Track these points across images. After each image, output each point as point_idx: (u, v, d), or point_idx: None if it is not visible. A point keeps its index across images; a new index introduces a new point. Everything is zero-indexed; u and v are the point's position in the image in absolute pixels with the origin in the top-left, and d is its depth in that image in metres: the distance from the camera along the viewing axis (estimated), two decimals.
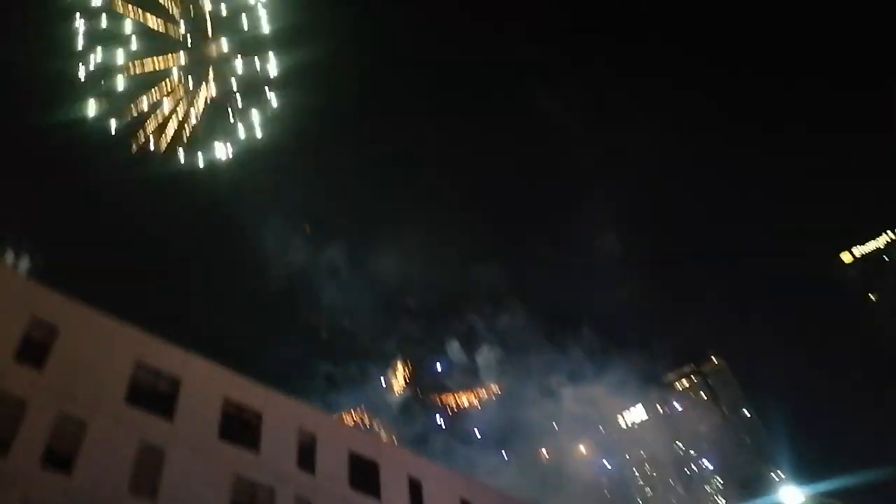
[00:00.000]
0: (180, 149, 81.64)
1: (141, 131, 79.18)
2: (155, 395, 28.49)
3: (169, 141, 79.44)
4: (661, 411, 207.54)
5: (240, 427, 31.07)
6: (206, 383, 30.81)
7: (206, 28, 79.03)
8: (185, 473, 27.02)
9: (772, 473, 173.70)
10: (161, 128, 79.59)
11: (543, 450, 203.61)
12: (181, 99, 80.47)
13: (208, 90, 79.11)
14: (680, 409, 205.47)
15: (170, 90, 79.35)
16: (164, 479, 26.23)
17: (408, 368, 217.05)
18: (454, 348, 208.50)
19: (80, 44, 77.28)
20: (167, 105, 78.54)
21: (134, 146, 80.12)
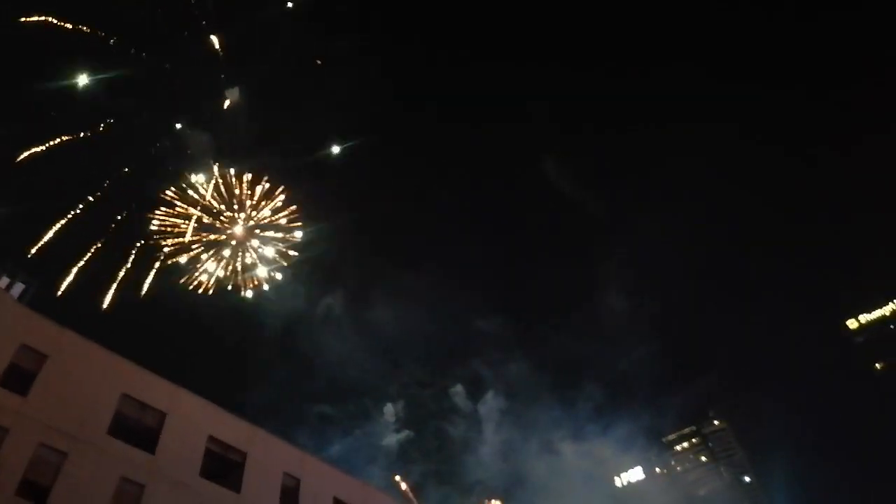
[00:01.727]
0: None
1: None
2: (139, 429, 28.15)
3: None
4: (659, 472, 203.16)
5: (223, 466, 30.56)
6: (192, 419, 30.43)
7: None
8: None
9: None
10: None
11: None
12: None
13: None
14: (679, 470, 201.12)
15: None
16: None
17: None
18: (458, 392, 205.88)
19: None
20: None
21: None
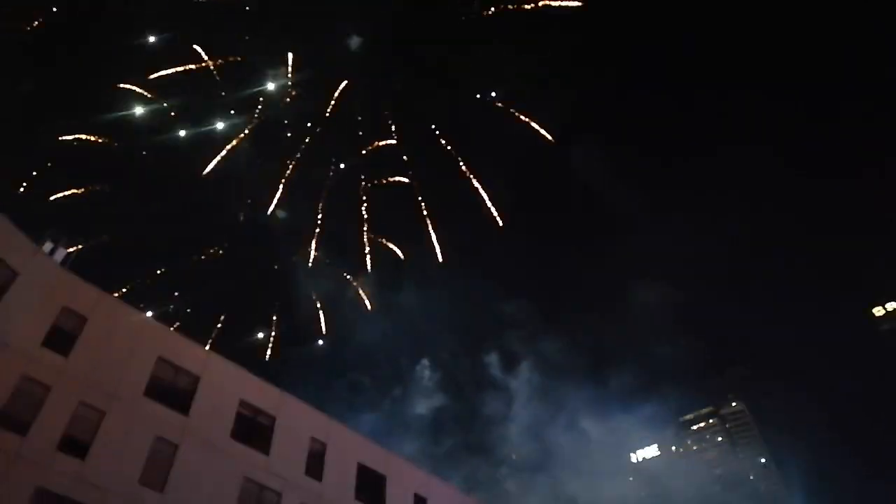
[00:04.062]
0: None
1: None
2: (173, 391, 29.04)
3: None
4: (675, 450, 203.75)
5: (253, 428, 31.46)
6: (224, 383, 31.30)
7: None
8: (195, 469, 27.44)
9: None
10: None
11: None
12: None
13: None
14: (695, 449, 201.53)
15: None
16: (174, 472, 26.68)
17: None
18: (492, 360, 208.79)
19: None
20: None
21: None
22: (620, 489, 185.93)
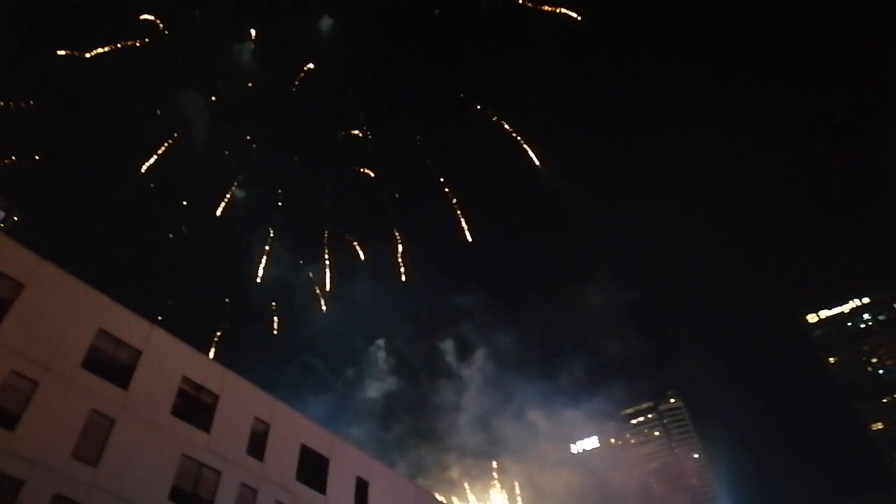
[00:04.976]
0: None
1: None
2: (113, 364, 28.15)
3: None
4: (614, 442, 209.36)
5: (194, 406, 30.85)
6: (167, 358, 30.52)
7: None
8: (132, 445, 26.75)
9: None
10: None
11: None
12: None
13: None
14: (633, 442, 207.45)
15: None
16: (110, 447, 25.94)
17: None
18: (448, 346, 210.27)
19: None
20: None
21: None
22: (560, 478, 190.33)
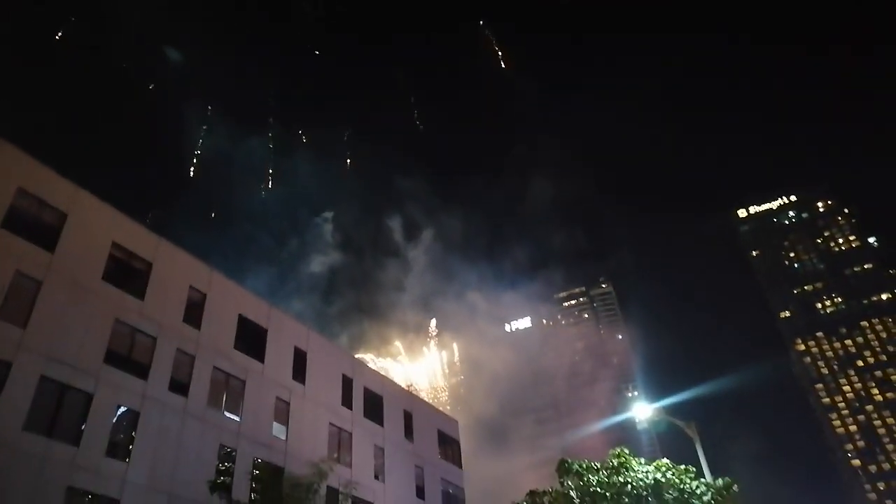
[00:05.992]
0: None
1: None
2: (37, 225, 26.92)
3: None
4: (546, 323, 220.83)
5: (126, 272, 30.21)
6: (95, 222, 29.39)
7: None
8: (61, 308, 26.23)
9: (627, 392, 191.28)
10: None
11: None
12: None
13: None
14: (563, 324, 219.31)
15: None
16: (38, 309, 25.38)
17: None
18: (395, 225, 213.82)
19: None
20: None
21: None
22: (496, 353, 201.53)
